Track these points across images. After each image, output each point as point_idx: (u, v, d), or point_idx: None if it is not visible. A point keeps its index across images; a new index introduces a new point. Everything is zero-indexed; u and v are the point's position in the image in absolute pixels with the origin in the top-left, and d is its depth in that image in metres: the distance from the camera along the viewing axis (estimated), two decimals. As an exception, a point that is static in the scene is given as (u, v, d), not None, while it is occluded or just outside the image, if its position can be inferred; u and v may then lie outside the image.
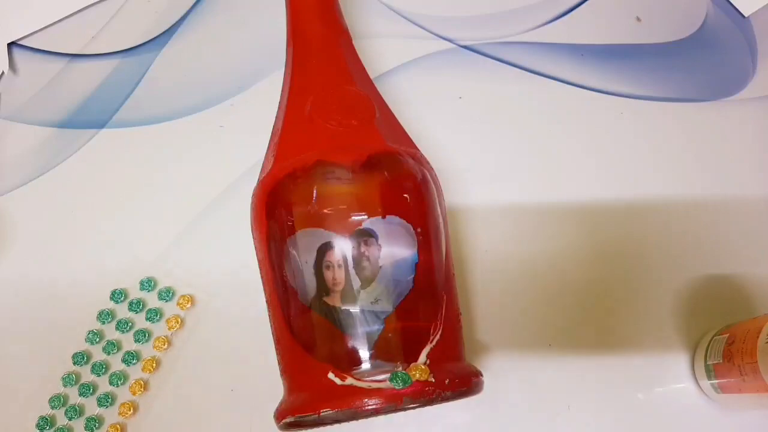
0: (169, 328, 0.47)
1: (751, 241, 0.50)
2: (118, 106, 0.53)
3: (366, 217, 0.36)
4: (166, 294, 0.48)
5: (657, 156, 0.52)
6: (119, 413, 0.45)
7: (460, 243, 0.49)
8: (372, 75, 0.52)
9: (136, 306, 0.48)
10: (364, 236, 0.36)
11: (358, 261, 0.36)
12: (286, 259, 0.37)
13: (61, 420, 0.45)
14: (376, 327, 0.36)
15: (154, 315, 0.47)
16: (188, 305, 0.48)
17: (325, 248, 0.36)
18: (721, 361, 0.42)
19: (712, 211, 0.50)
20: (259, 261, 0.40)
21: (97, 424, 0.45)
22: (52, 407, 0.45)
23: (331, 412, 0.35)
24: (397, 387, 0.34)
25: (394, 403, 0.34)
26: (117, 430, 0.45)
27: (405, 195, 0.38)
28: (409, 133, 0.43)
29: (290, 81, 0.43)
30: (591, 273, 0.49)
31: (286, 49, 0.45)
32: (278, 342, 0.39)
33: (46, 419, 0.45)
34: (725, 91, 0.53)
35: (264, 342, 0.46)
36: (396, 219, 0.37)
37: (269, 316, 0.40)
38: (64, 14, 0.54)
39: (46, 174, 0.51)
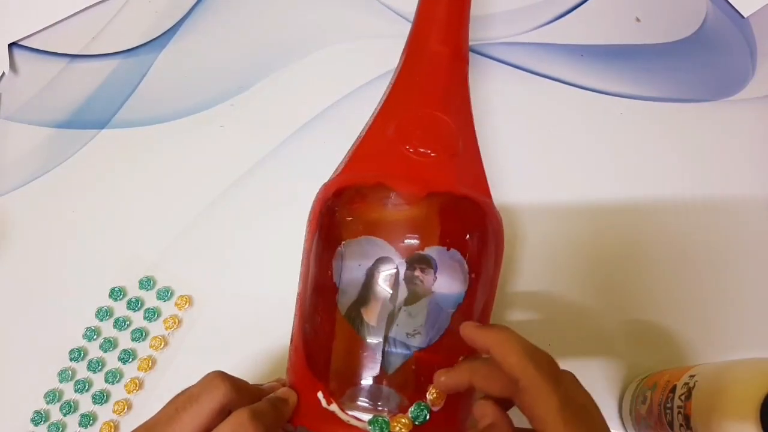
0: (166, 328, 0.47)
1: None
2: (119, 106, 0.53)
3: (417, 242, 0.35)
4: (165, 294, 0.48)
5: (657, 156, 0.51)
6: (113, 411, 0.45)
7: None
8: (372, 75, 0.53)
9: (135, 304, 0.48)
10: (423, 262, 0.36)
11: (410, 279, 0.35)
12: (336, 259, 0.36)
13: (56, 415, 0.45)
14: (402, 356, 0.35)
15: (152, 314, 0.47)
16: (186, 306, 0.48)
17: (382, 259, 0.36)
18: (644, 409, 0.41)
19: (711, 210, 0.50)
20: (303, 257, 0.40)
21: (91, 421, 0.45)
22: (47, 402, 0.45)
23: (305, 429, 0.35)
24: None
25: None
26: (110, 427, 0.45)
27: (467, 237, 0.37)
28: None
29: (389, 92, 0.42)
30: (592, 272, 0.49)
31: (400, 57, 0.43)
32: (292, 340, 0.39)
33: (41, 414, 0.45)
34: (725, 91, 0.53)
35: (260, 345, 0.46)
36: (458, 255, 0.36)
37: (294, 314, 0.39)
38: (64, 14, 0.55)
39: (46, 174, 0.52)
